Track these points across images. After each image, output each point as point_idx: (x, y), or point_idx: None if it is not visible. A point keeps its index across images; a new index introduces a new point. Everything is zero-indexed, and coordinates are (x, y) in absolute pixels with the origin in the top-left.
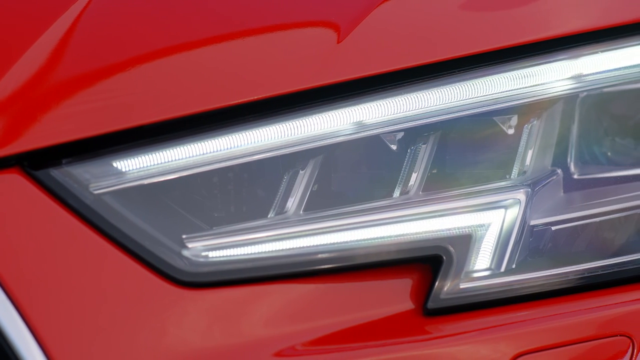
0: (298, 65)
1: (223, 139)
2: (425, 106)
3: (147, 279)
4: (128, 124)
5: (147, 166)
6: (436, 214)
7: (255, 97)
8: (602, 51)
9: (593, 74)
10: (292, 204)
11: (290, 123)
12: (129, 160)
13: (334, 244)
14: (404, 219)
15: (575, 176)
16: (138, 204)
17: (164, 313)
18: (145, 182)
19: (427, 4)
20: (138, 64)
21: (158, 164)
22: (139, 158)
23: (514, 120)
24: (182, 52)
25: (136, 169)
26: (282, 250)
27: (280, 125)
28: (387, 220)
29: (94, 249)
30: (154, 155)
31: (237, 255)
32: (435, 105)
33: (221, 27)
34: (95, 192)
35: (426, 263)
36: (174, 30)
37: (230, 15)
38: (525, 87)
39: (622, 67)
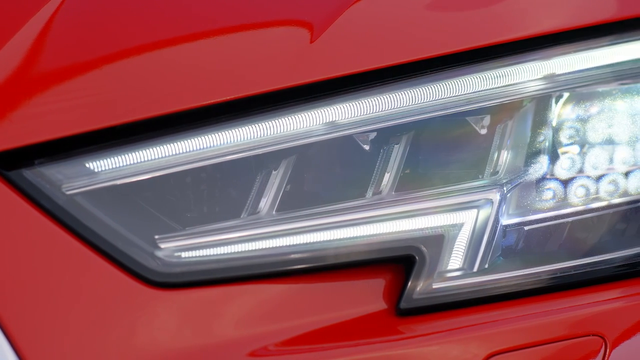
0: (271, 65)
1: (196, 139)
2: (398, 106)
3: (119, 279)
4: (100, 124)
5: (119, 166)
6: (409, 214)
7: (228, 98)
8: (574, 51)
9: (565, 74)
10: (264, 204)
11: (263, 123)
12: (101, 161)
13: (306, 244)
14: (376, 219)
15: (548, 176)
16: (111, 204)
17: (136, 314)
18: (118, 182)
19: (400, 4)
20: (109, 64)
21: (131, 164)
22: (112, 158)
23: (487, 120)
24: (154, 53)
25: (109, 169)
26: (255, 250)
27: (253, 126)
28: (360, 221)
29: (66, 250)
30: (126, 155)
31: (210, 255)
32: (408, 106)
33: (194, 27)
34: (68, 192)
35: (399, 263)
36: (146, 31)
37: (203, 15)
38: (498, 87)
39: (595, 67)
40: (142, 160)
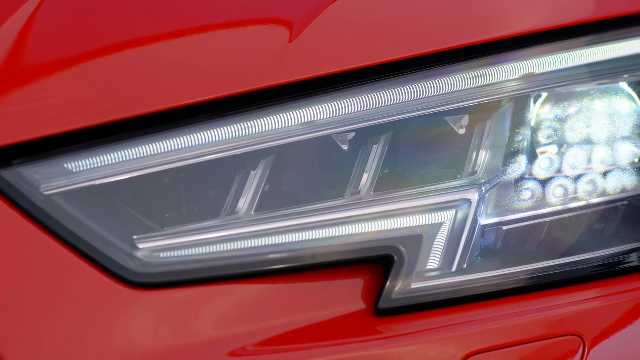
0: (249, 64)
1: (174, 139)
2: (377, 106)
3: (98, 280)
4: (79, 124)
5: (98, 167)
6: (387, 214)
7: (207, 98)
8: (552, 51)
9: (544, 74)
10: (243, 204)
11: (242, 123)
12: (80, 161)
13: (285, 244)
14: (355, 219)
15: (526, 176)
16: (89, 204)
17: (115, 314)
18: (97, 182)
19: (380, 3)
20: (87, 64)
21: (109, 164)
22: (90, 159)
23: (466, 120)
24: (132, 52)
25: (87, 169)
26: (234, 250)
27: (232, 126)
28: (339, 221)
29: (44, 251)
30: (105, 156)
31: (189, 255)
32: (387, 106)
33: (172, 27)
34: (46, 193)
35: (378, 263)
36: (123, 31)
37: (181, 14)
38: (477, 88)
39: (573, 67)
40: (121, 160)
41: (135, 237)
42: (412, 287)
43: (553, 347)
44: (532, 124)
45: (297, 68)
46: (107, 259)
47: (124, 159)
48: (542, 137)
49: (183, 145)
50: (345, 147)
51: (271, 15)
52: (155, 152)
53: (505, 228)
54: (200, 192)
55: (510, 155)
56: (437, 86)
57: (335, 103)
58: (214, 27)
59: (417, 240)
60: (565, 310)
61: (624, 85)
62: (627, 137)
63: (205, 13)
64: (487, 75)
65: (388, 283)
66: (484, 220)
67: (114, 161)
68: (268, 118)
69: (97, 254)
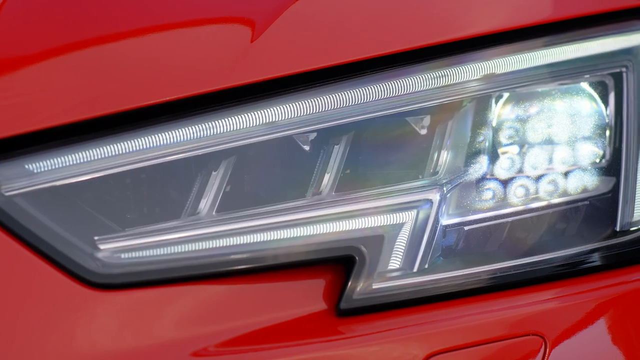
0: (210, 64)
1: (135, 140)
2: (338, 107)
3: (58, 280)
4: (40, 125)
5: (59, 167)
6: (349, 214)
7: (168, 98)
8: (513, 52)
9: (505, 74)
10: (204, 205)
11: (203, 124)
12: (41, 162)
13: (246, 244)
14: (316, 219)
15: (488, 176)
16: (50, 205)
17: (76, 315)
18: (58, 183)
19: (341, 3)
20: (46, 62)
21: (70, 165)
22: (51, 159)
23: (427, 120)
24: (92, 52)
25: (48, 170)
26: (195, 251)
27: (193, 126)
28: (300, 221)
29: (4, 252)
30: (66, 156)
31: (150, 256)
32: (348, 106)
33: (132, 25)
34: (7, 193)
35: (339, 263)
36: (82, 30)
37: (144, 12)
38: (438, 88)
39: (534, 68)
40: (82, 161)
41: (96, 237)
42: (374, 287)
43: (514, 346)
44: (494, 124)
45: (258, 68)
46: (67, 259)
47: (85, 159)
48: (503, 137)
49: (144, 146)
50: (306, 148)
51: (233, 15)
52: (116, 152)
53: (466, 228)
54: (162, 192)
55: (472, 155)
56: (398, 86)
57: (297, 103)
58: (175, 26)
59: (379, 241)
60: (527, 310)
61: (584, 85)
62: (587, 137)
63: (167, 12)
64: (448, 76)
65: (349, 283)
66: (445, 221)
67: (75, 162)
68: (229, 118)
69: (58, 255)
